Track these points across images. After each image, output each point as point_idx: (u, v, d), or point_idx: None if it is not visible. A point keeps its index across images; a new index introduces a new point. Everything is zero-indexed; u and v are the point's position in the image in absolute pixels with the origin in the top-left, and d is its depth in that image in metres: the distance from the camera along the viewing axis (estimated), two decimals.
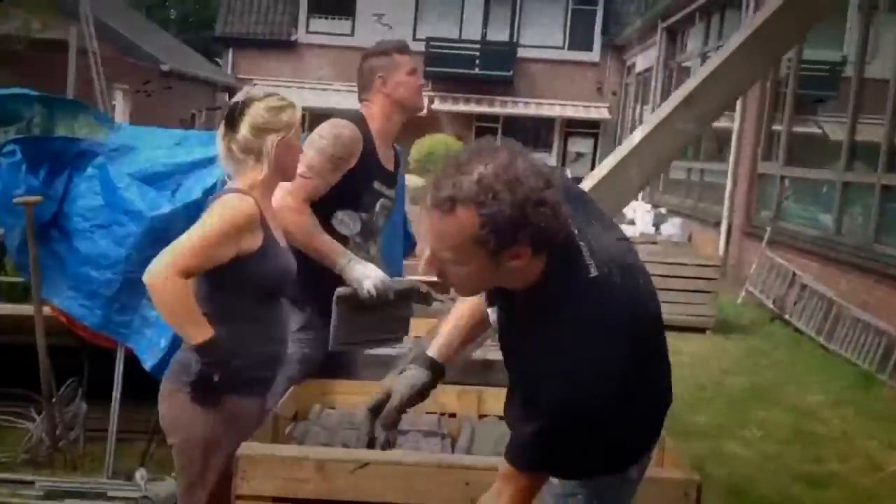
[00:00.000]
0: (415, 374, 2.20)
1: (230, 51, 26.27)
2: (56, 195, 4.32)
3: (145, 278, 2.41)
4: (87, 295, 4.29)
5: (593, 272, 1.74)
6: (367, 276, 3.04)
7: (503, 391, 2.91)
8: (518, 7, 25.68)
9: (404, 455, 2.53)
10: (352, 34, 25.02)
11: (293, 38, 25.86)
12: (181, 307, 2.42)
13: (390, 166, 3.41)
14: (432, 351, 2.20)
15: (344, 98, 25.40)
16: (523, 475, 1.83)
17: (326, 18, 25.91)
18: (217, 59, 27.33)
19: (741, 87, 3.78)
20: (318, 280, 3.12)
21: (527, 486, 1.85)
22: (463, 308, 2.18)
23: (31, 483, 4.15)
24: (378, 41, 3.45)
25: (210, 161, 3.99)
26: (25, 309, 4.52)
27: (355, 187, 3.25)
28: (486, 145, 1.67)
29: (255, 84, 24.71)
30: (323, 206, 3.16)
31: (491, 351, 3.79)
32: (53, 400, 4.52)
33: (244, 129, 2.56)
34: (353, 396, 3.17)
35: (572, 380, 1.68)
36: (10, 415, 4.79)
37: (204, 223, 2.49)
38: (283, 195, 2.92)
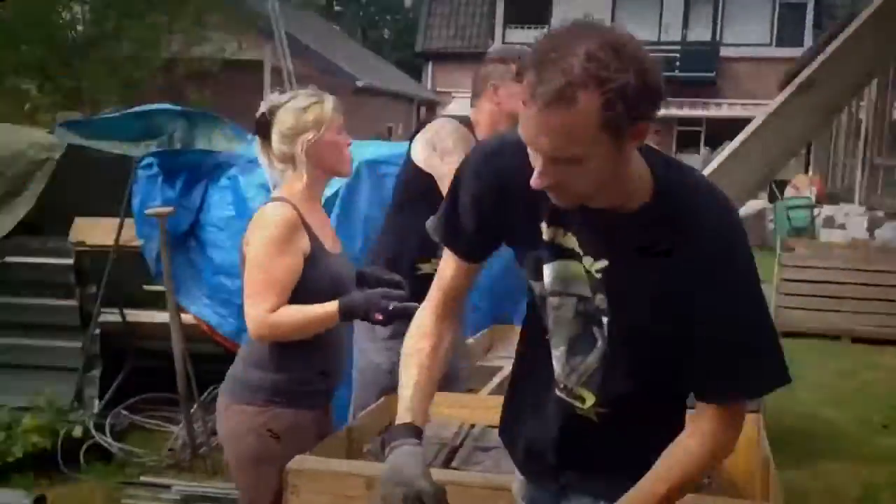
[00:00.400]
0: (418, 452, 1.70)
1: (430, 65, 26.89)
2: (193, 206, 4.46)
3: (254, 336, 2.42)
4: (221, 303, 4.39)
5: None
6: None
7: None
8: (721, 4, 24.60)
9: (458, 476, 2.34)
10: None
11: (489, 49, 26.01)
12: (298, 327, 2.40)
13: None
14: (411, 418, 1.73)
15: None
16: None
17: (522, 28, 25.95)
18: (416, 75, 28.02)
19: (865, 70, 3.26)
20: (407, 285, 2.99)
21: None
22: (413, 369, 1.79)
23: (168, 487, 4.27)
24: (502, 47, 3.27)
25: None
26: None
27: None
28: (563, 28, 1.46)
29: (454, 97, 25.19)
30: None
31: None
32: (194, 405, 4.63)
33: (275, 139, 2.47)
34: (446, 409, 3.00)
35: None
36: (160, 419, 4.97)
37: (255, 258, 2.41)
38: None
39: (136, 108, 4.97)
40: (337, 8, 36.42)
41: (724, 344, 1.53)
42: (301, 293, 2.39)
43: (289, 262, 2.39)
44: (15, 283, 4.99)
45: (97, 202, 4.88)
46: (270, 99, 2.51)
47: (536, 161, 1.48)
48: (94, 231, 4.86)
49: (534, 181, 1.48)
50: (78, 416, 4.65)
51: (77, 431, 4.49)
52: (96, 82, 11.79)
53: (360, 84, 18.14)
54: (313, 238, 2.44)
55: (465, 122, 3.14)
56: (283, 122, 2.45)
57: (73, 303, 4.95)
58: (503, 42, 25.91)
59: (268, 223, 2.40)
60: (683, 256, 1.52)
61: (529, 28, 25.83)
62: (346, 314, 2.39)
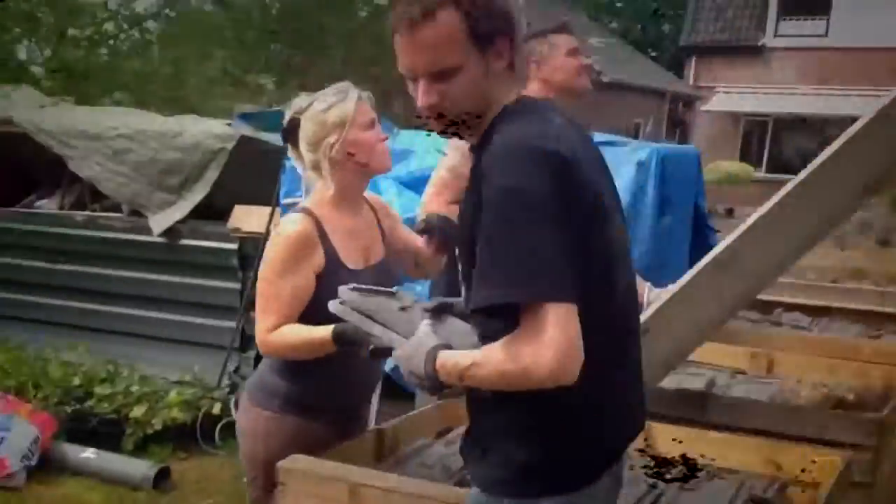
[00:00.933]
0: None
1: (692, 60, 25.83)
2: None
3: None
4: None
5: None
6: None
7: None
8: None
9: (433, 489, 2.19)
10: (825, 34, 23.26)
11: (760, 42, 24.58)
12: (292, 348, 2.31)
13: None
14: None
15: (811, 102, 23.85)
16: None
17: (798, 20, 24.27)
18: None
19: None
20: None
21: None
22: None
23: None
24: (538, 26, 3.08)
25: None
26: None
27: None
28: None
29: (716, 92, 24.06)
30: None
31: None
32: None
33: (301, 147, 2.38)
34: None
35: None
36: None
37: (262, 273, 2.35)
38: None
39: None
40: (618, 4, 35.89)
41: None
42: (312, 311, 2.29)
43: (295, 281, 2.29)
44: (185, 264, 5.33)
45: (262, 191, 5.09)
46: (294, 104, 2.42)
47: (417, 87, 1.63)
48: (249, 218, 5.07)
49: (419, 102, 1.62)
50: (223, 393, 4.87)
51: (216, 408, 4.70)
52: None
53: (604, 79, 17.79)
54: (331, 253, 2.33)
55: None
56: (305, 129, 2.36)
57: (236, 285, 5.21)
58: (775, 35, 24.41)
59: (279, 239, 2.33)
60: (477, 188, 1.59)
61: (806, 19, 24.14)
62: (339, 341, 2.21)
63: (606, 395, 1.63)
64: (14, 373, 4.98)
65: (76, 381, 4.98)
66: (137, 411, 4.64)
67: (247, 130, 5.39)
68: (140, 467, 4.24)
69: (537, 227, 1.47)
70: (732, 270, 2.60)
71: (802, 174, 2.48)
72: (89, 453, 4.41)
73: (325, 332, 2.22)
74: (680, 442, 2.54)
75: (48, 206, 6.10)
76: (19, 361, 5.28)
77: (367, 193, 2.56)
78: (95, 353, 5.29)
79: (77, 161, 5.63)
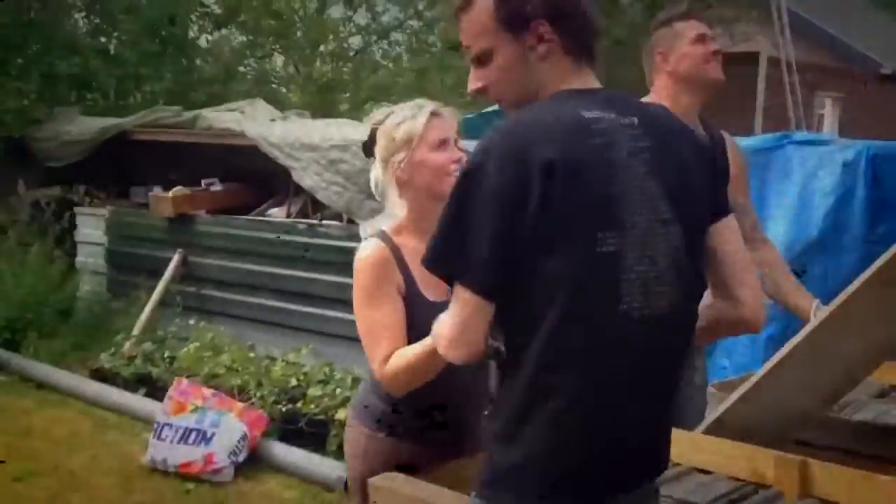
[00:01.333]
0: None
1: None
2: None
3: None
4: None
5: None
6: None
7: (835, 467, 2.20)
8: None
9: None
10: None
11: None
12: (412, 369, 2.08)
13: None
14: None
15: None
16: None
17: None
18: None
19: None
20: None
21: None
22: None
23: None
24: (663, 12, 2.79)
25: None
26: None
27: None
28: None
29: None
30: None
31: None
32: None
33: (378, 166, 2.27)
34: None
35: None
36: None
37: (355, 308, 2.22)
38: None
39: (494, 108, 5.07)
40: None
41: None
42: None
43: (388, 304, 2.17)
44: None
45: None
46: (372, 117, 2.32)
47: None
48: None
49: (469, 87, 1.66)
50: None
51: None
52: None
53: (884, 71, 16.09)
54: (409, 281, 2.20)
55: None
56: (380, 148, 2.25)
57: None
58: None
59: (357, 268, 2.22)
60: None
61: None
62: None
63: (591, 417, 1.48)
64: (241, 371, 5.31)
65: (293, 381, 5.23)
66: (342, 413, 4.77)
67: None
68: (336, 468, 4.35)
69: (480, 211, 1.44)
70: None
71: None
72: (292, 452, 4.59)
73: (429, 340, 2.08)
74: None
75: (277, 214, 6.48)
76: (247, 361, 5.64)
77: None
78: (318, 356, 5.54)
79: (299, 171, 5.92)
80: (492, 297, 1.46)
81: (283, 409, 4.93)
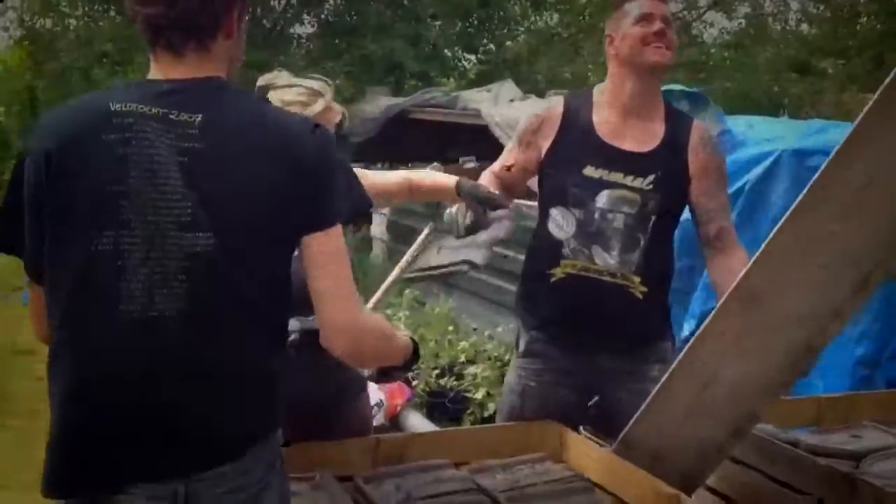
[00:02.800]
0: None
1: None
2: None
3: None
4: None
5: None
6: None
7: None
8: None
9: None
10: None
11: None
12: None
13: (640, 146, 2.42)
14: None
15: None
16: None
17: None
18: None
19: None
20: (534, 293, 2.56)
21: None
22: None
23: None
24: None
25: None
26: None
27: (558, 175, 2.46)
28: None
29: None
30: (541, 206, 2.53)
31: None
32: None
33: None
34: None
35: None
36: None
37: None
38: None
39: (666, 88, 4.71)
40: None
41: None
42: None
43: None
44: None
45: None
46: (265, 77, 2.33)
47: None
48: None
49: None
50: None
51: None
52: None
53: None
54: None
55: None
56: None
57: None
58: None
59: None
60: None
61: None
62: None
63: (84, 411, 1.48)
64: (424, 340, 5.51)
65: (462, 357, 5.37)
66: (480, 393, 4.84)
67: None
68: None
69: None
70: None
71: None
72: (424, 425, 4.74)
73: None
74: None
75: None
76: (446, 333, 5.84)
77: None
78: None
79: None
80: (39, 281, 1.52)
81: (435, 384, 5.10)
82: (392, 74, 9.98)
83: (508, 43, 10.69)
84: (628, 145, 2.43)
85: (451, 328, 5.98)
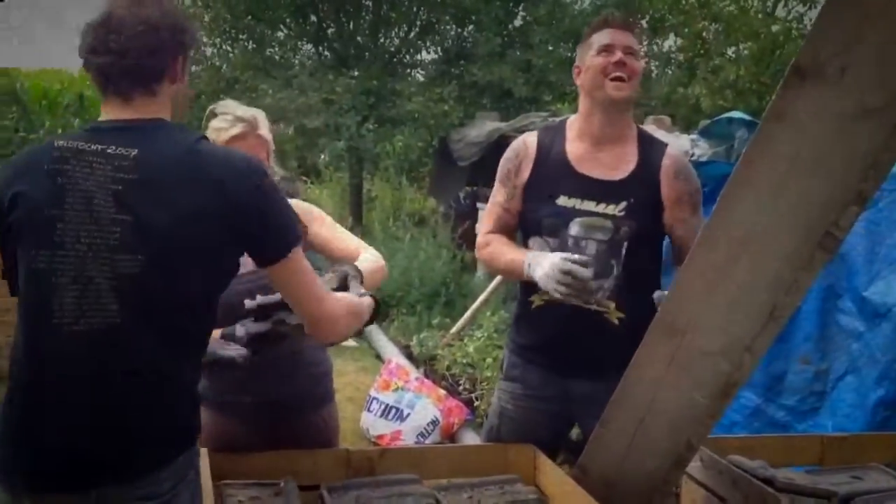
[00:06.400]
0: None
1: None
2: None
3: None
4: None
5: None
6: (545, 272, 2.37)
7: None
8: None
9: None
10: None
11: None
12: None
13: (612, 174, 2.46)
14: None
15: None
16: None
17: None
18: None
19: None
20: (517, 319, 2.66)
21: None
22: None
23: None
24: None
25: None
26: None
27: (534, 206, 2.52)
28: None
29: None
30: (523, 235, 2.61)
31: None
32: None
33: None
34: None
35: None
36: None
37: None
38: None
39: (726, 115, 4.61)
40: None
41: None
42: None
43: None
44: None
45: None
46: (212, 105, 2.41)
47: None
48: None
49: None
50: None
51: None
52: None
53: None
54: None
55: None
56: None
57: None
58: None
59: None
60: None
61: None
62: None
63: (19, 416, 1.65)
64: (479, 365, 5.62)
65: None
66: None
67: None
68: None
69: None
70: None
71: None
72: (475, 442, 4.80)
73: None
74: None
75: None
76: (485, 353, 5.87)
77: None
78: None
79: None
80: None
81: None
82: (502, 100, 10.12)
83: None
84: (600, 173, 2.46)
85: None
